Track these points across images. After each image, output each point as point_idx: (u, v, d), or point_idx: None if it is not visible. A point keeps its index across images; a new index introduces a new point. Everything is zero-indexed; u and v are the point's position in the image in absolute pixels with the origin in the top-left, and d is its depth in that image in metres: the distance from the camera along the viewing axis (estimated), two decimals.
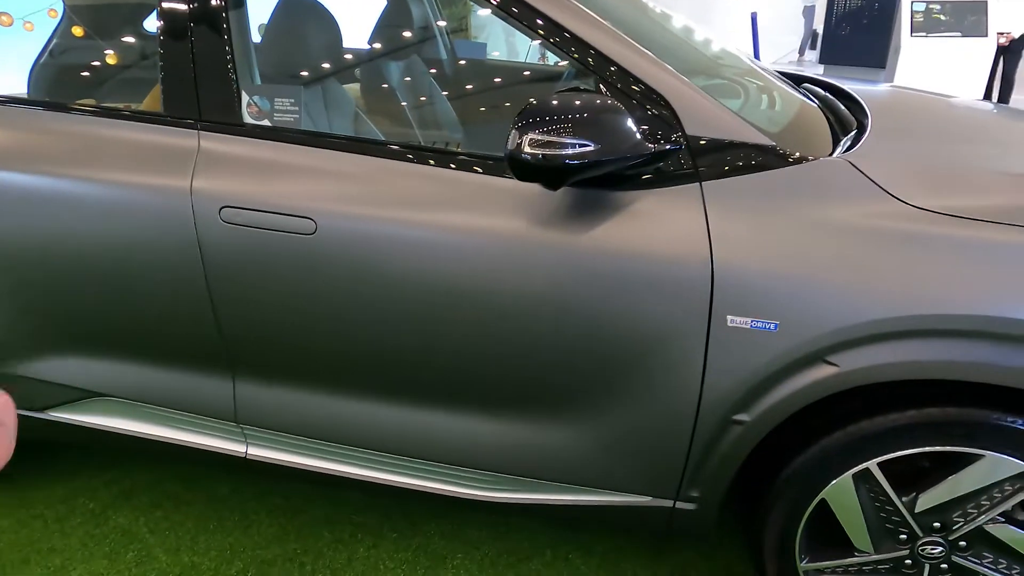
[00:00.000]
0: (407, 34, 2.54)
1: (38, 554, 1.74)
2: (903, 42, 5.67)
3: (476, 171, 1.32)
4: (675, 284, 1.22)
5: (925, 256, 1.14)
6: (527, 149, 1.09)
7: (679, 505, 1.41)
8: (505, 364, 1.35)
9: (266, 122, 1.41)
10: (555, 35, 1.27)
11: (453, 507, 1.52)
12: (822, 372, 1.20)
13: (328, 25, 1.80)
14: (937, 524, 1.32)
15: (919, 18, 5.72)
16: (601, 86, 1.26)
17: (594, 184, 1.26)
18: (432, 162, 1.34)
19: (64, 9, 1.97)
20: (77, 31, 2.03)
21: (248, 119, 1.41)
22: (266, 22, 1.75)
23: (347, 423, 1.52)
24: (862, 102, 1.63)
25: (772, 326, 1.20)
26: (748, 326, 1.21)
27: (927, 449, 1.24)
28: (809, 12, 11.54)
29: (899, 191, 1.19)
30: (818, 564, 1.41)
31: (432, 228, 1.30)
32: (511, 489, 1.49)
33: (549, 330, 1.30)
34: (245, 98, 1.40)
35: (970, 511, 1.29)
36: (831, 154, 1.33)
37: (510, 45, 3.30)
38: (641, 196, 1.25)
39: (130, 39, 1.99)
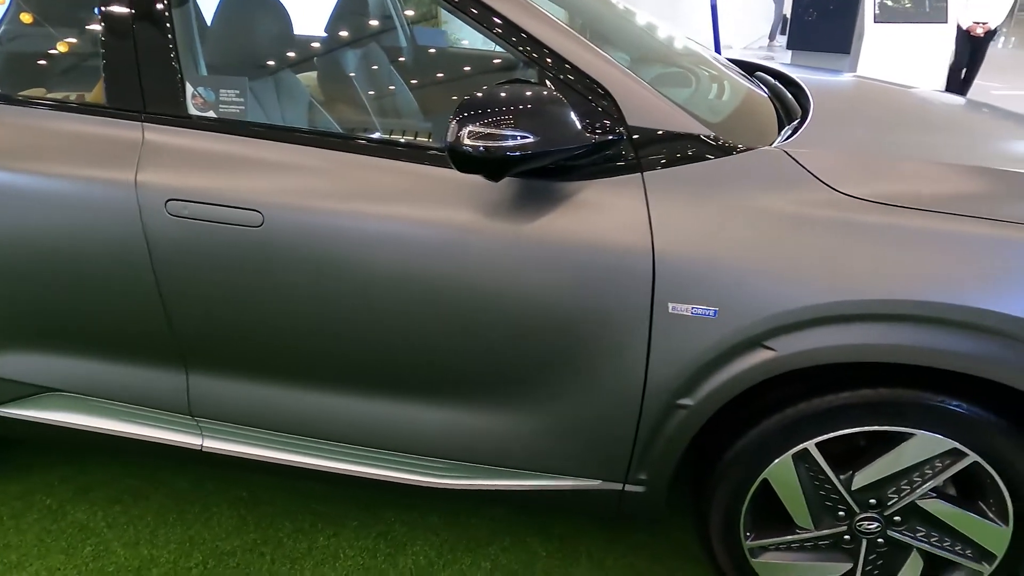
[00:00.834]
0: (364, 22, 2.52)
1: None
2: (867, 28, 5.75)
3: (423, 162, 1.32)
4: (618, 273, 1.24)
5: (855, 243, 1.17)
6: (467, 141, 1.11)
7: (628, 488, 1.45)
8: (454, 353, 1.37)
9: (211, 113, 1.40)
10: (494, 25, 1.27)
11: (414, 494, 1.54)
12: (760, 356, 1.24)
13: (278, 14, 1.79)
14: (873, 501, 1.37)
15: (882, 5, 5.81)
16: (543, 77, 1.27)
17: (539, 175, 1.27)
18: (380, 153, 1.35)
19: None
20: (26, 18, 1.98)
21: (193, 110, 1.40)
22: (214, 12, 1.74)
23: (301, 414, 1.53)
24: (806, 90, 1.67)
25: (712, 312, 1.23)
26: (689, 313, 1.24)
27: (861, 429, 1.28)
28: None
29: (832, 180, 1.22)
30: (762, 541, 1.45)
31: (377, 219, 1.31)
32: (464, 476, 1.51)
33: (497, 319, 1.32)
34: (190, 89, 1.39)
35: (903, 487, 1.34)
36: (772, 143, 1.36)
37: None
38: (585, 186, 1.27)
39: (80, 27, 1.95)
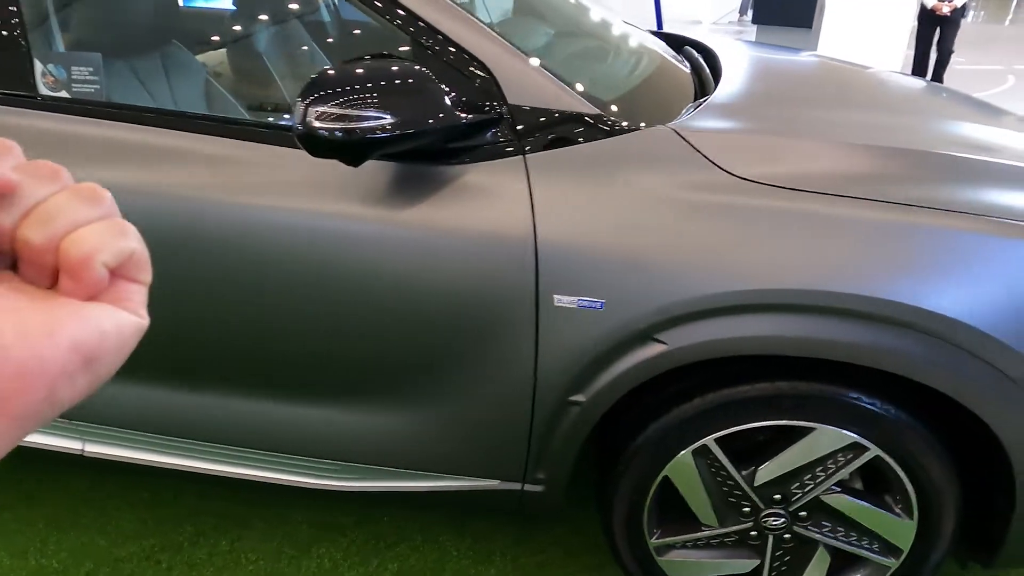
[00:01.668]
0: None
1: None
2: (827, 2, 5.67)
3: (297, 146, 1.22)
4: (501, 264, 1.16)
5: (746, 228, 1.10)
6: (317, 124, 1.01)
7: (527, 487, 1.38)
8: (340, 349, 1.28)
9: (64, 93, 1.28)
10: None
11: (323, 494, 1.46)
12: (651, 351, 1.17)
13: None
14: (777, 496, 1.32)
15: None
16: (420, 52, 1.17)
17: (421, 158, 1.18)
18: (248, 136, 1.24)
19: None
20: None
21: (44, 90, 1.28)
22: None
23: (180, 415, 1.44)
24: (721, 67, 1.58)
25: (598, 304, 1.15)
26: (575, 305, 1.16)
27: (760, 424, 1.22)
28: None
29: (723, 160, 1.15)
30: (667, 539, 1.40)
31: (242, 209, 1.21)
32: (361, 478, 1.43)
33: (379, 313, 1.23)
34: (39, 67, 1.27)
35: (807, 482, 1.29)
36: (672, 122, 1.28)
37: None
38: (468, 170, 1.18)
39: None
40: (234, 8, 2.17)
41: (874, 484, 1.32)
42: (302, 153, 1.20)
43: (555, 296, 1.16)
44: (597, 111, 1.18)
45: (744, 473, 1.30)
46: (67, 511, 1.78)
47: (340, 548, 1.69)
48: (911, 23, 5.84)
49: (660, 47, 1.84)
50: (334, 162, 1.16)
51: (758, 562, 1.39)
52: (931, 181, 1.17)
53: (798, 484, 1.29)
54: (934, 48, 5.83)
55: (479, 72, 1.16)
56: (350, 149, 1.04)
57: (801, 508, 1.32)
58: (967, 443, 1.24)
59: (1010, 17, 15.12)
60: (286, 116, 1.76)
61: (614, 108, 1.22)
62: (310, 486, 1.43)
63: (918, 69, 5.89)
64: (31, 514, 1.77)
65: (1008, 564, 1.30)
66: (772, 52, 2.07)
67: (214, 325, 1.30)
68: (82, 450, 1.52)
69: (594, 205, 1.13)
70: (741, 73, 1.57)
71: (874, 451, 1.22)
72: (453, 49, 1.16)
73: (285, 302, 1.25)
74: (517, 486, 1.38)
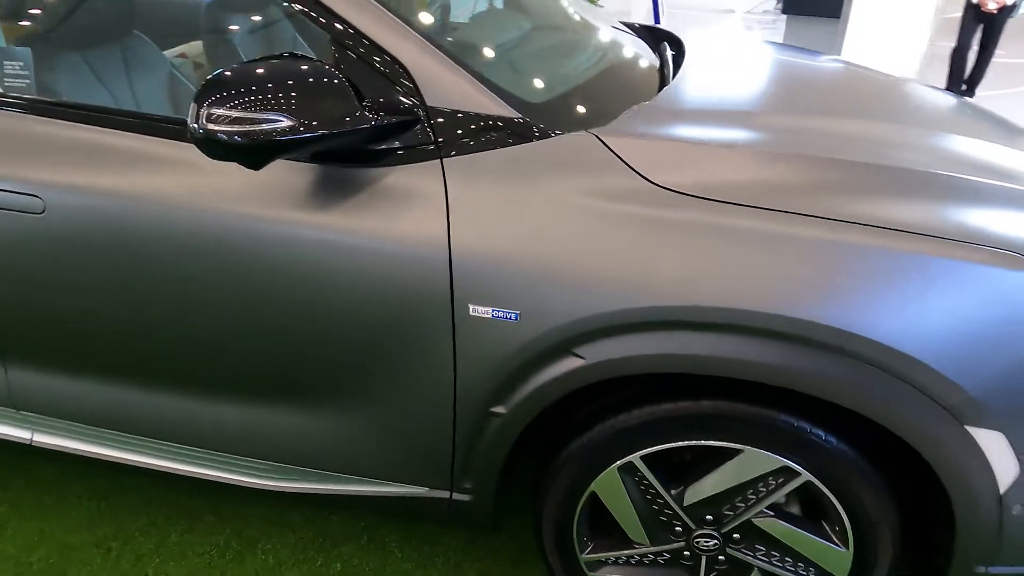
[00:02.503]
0: None
1: None
2: None
3: None
4: (417, 272, 1.13)
5: (666, 240, 1.05)
6: (211, 126, 0.98)
7: (455, 496, 1.35)
8: (261, 350, 1.27)
9: None
10: None
11: (278, 492, 1.46)
12: (569, 364, 1.13)
13: None
14: (709, 517, 1.27)
15: None
16: (337, 51, 1.14)
17: (342, 160, 1.16)
18: (172, 135, 1.23)
19: None
20: None
21: None
22: None
23: (115, 409, 1.45)
24: (683, 67, 1.52)
25: (513, 316, 1.11)
26: (490, 316, 1.13)
27: (685, 444, 1.17)
28: None
29: (644, 168, 1.09)
30: (599, 555, 1.36)
31: (163, 210, 1.20)
32: (291, 479, 1.42)
33: (296, 315, 1.21)
34: None
35: (738, 505, 1.24)
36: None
37: None
38: (389, 173, 1.15)
39: None
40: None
41: (814, 510, 1.26)
42: None
43: (470, 306, 1.13)
44: (516, 115, 1.14)
45: (674, 492, 1.25)
46: (30, 497, 1.82)
47: (287, 545, 1.69)
48: (932, 16, 5.55)
49: (632, 45, 1.77)
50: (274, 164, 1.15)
51: None
52: (875, 196, 1.09)
53: (729, 506, 1.24)
54: (976, 42, 5.50)
55: (398, 73, 1.13)
56: (249, 152, 1.01)
57: (734, 530, 1.27)
58: (908, 472, 1.17)
59: None
60: None
61: (538, 112, 1.17)
62: (243, 484, 1.43)
63: (956, 62, 5.59)
64: None
65: None
66: (777, 54, 1.97)
67: (141, 324, 1.30)
68: (31, 440, 1.55)
69: (508, 212, 1.09)
70: (702, 74, 1.51)
71: (805, 476, 1.16)
72: (372, 50, 1.13)
73: (205, 304, 1.24)
74: (445, 494, 1.36)
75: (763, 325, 1.03)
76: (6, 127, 1.26)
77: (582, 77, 1.41)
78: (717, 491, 1.22)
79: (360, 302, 1.17)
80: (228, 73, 1.00)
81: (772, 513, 1.24)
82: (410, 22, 1.16)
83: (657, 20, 4.15)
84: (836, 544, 1.22)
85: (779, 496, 1.20)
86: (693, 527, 1.28)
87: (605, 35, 1.75)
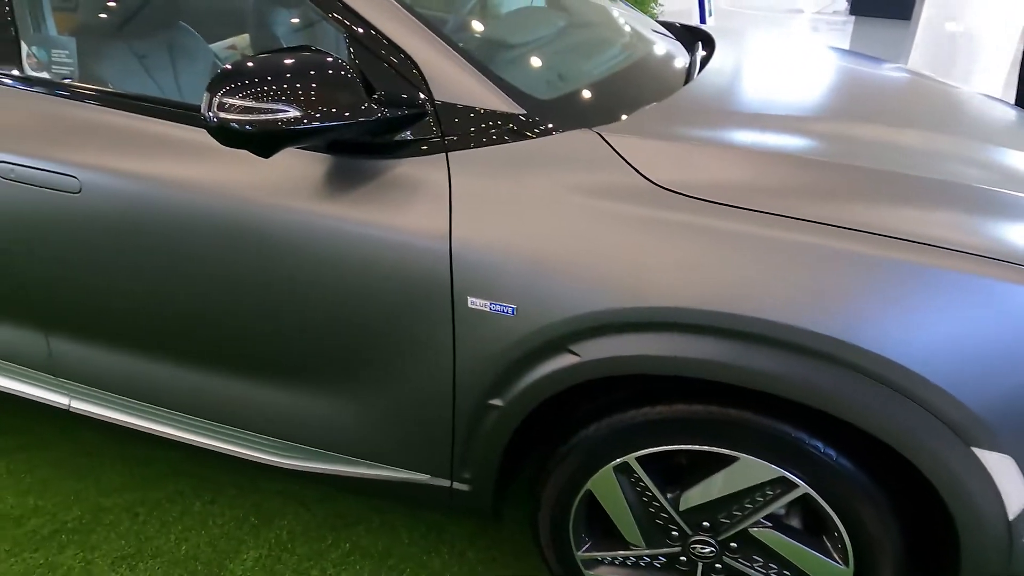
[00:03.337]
0: None
1: None
2: None
3: None
4: (419, 262, 1.15)
5: (658, 240, 1.04)
6: (222, 115, 1.03)
7: (456, 485, 1.37)
8: (268, 331, 1.32)
9: (45, 74, 1.38)
10: None
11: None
12: (565, 361, 1.13)
13: None
14: (706, 524, 1.25)
15: None
16: (351, 44, 1.17)
17: (353, 151, 1.19)
18: (195, 122, 1.29)
19: None
20: None
21: (29, 70, 1.38)
22: None
23: (151, 383, 1.53)
24: (707, 67, 1.49)
25: (510, 310, 1.13)
26: (488, 309, 1.14)
27: (680, 447, 1.16)
28: None
29: (646, 167, 1.08)
30: (595, 553, 1.36)
31: (190, 191, 1.26)
32: (301, 457, 1.48)
33: (307, 299, 1.26)
34: (25, 48, 1.37)
35: (735, 513, 1.22)
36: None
37: None
38: (396, 165, 1.18)
39: None
40: None
41: (815, 523, 1.23)
42: None
43: (469, 298, 1.15)
44: (521, 111, 1.14)
45: (670, 496, 1.24)
46: (70, 458, 1.94)
47: (301, 522, 1.75)
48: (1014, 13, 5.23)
49: (663, 45, 1.75)
50: (281, 156, 1.20)
51: None
52: (884, 204, 1.05)
53: (725, 514, 1.22)
54: None
55: (408, 67, 1.15)
56: (258, 141, 1.06)
57: (731, 539, 1.25)
58: (912, 488, 1.13)
59: None
60: None
61: (545, 108, 1.17)
62: (258, 460, 1.49)
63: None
64: (41, 458, 1.94)
65: None
66: (817, 56, 1.91)
67: (164, 302, 1.37)
68: (68, 405, 1.65)
69: (508, 207, 1.10)
70: (727, 75, 1.48)
71: (803, 489, 1.13)
72: (383, 44, 1.15)
73: (222, 286, 1.30)
74: (446, 483, 1.38)
75: (759, 332, 1.01)
76: (49, 111, 1.34)
77: (598, 75, 1.40)
78: (712, 498, 1.21)
79: (366, 289, 1.20)
80: (240, 64, 1.04)
81: (770, 524, 1.22)
82: (421, 16, 1.18)
83: (703, 20, 4.07)
84: (836, 560, 1.19)
85: (776, 507, 1.18)
86: (689, 533, 1.27)
87: (634, 34, 1.73)
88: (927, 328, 0.96)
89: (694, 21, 4.91)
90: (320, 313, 1.26)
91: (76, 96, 1.34)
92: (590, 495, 1.29)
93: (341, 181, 1.19)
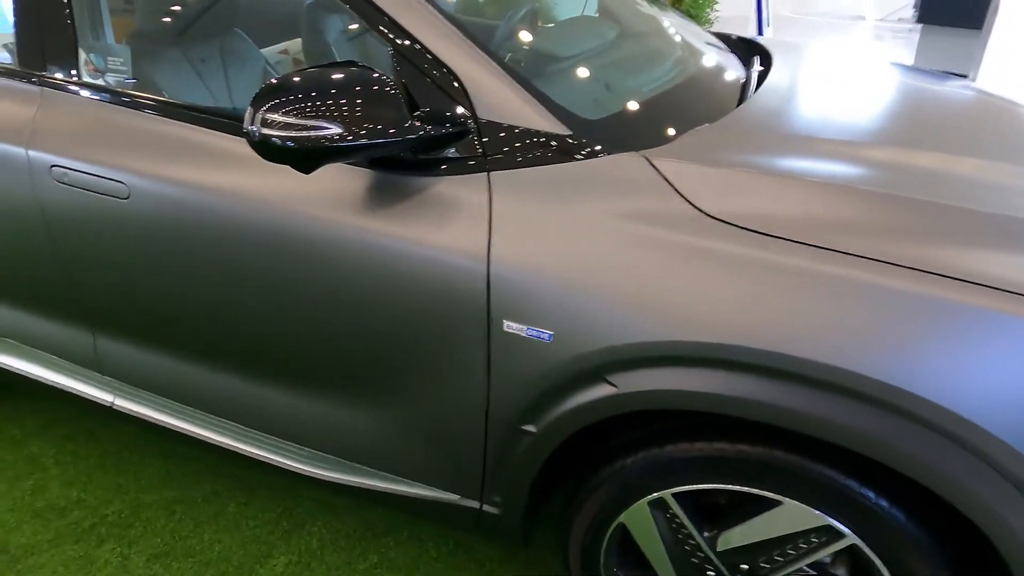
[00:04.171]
0: None
1: None
2: (1003, 1, 4.94)
3: None
4: (456, 280, 1.13)
5: (705, 272, 0.99)
6: (264, 131, 1.03)
7: (485, 508, 1.35)
8: (303, 340, 1.32)
9: (102, 81, 1.40)
10: (351, 2, 1.17)
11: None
12: (601, 392, 1.09)
13: None
14: (744, 567, 1.19)
15: None
16: (396, 61, 1.16)
17: (394, 168, 1.18)
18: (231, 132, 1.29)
19: None
20: None
21: (86, 76, 1.41)
22: None
23: (188, 385, 1.55)
24: (763, 86, 1.43)
25: (547, 336, 1.09)
26: (524, 334, 1.11)
27: (719, 487, 1.11)
28: None
29: (694, 195, 1.03)
30: None
31: (235, 200, 1.27)
32: (334, 469, 1.47)
33: (342, 312, 1.25)
34: (83, 55, 1.40)
35: (776, 559, 1.16)
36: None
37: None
38: (437, 182, 1.16)
39: None
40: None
41: (862, 572, 1.16)
42: None
43: (505, 321, 1.12)
44: (567, 132, 1.11)
45: (707, 535, 1.19)
46: (114, 452, 1.98)
47: (331, 530, 1.75)
48: None
49: (719, 60, 1.69)
50: (323, 169, 1.19)
51: None
52: (952, 243, 0.98)
53: (765, 558, 1.16)
54: None
55: (452, 85, 1.13)
56: (301, 157, 1.05)
57: None
58: (970, 545, 1.06)
59: None
60: None
61: (591, 129, 1.14)
62: (292, 469, 1.49)
63: None
64: (86, 451, 1.99)
65: None
66: (883, 74, 1.82)
67: (205, 308, 1.38)
68: (112, 403, 1.68)
69: (549, 230, 1.07)
70: (783, 95, 1.41)
71: (851, 539, 1.07)
72: (428, 60, 1.14)
73: (262, 295, 1.30)
74: (476, 504, 1.36)
75: (808, 373, 0.95)
76: (101, 117, 1.37)
77: (648, 94, 1.36)
78: (752, 541, 1.15)
79: (402, 305, 1.19)
80: (285, 79, 1.03)
81: (814, 573, 1.15)
82: (466, 30, 1.16)
83: (760, 31, 3.95)
84: None
85: (821, 556, 1.12)
86: (726, 574, 1.21)
87: (687, 47, 1.68)
88: (988, 376, 0.89)
89: (751, 29, 4.78)
90: (356, 326, 1.25)
91: (128, 103, 1.37)
92: (623, 527, 1.25)
93: (381, 196, 1.18)
